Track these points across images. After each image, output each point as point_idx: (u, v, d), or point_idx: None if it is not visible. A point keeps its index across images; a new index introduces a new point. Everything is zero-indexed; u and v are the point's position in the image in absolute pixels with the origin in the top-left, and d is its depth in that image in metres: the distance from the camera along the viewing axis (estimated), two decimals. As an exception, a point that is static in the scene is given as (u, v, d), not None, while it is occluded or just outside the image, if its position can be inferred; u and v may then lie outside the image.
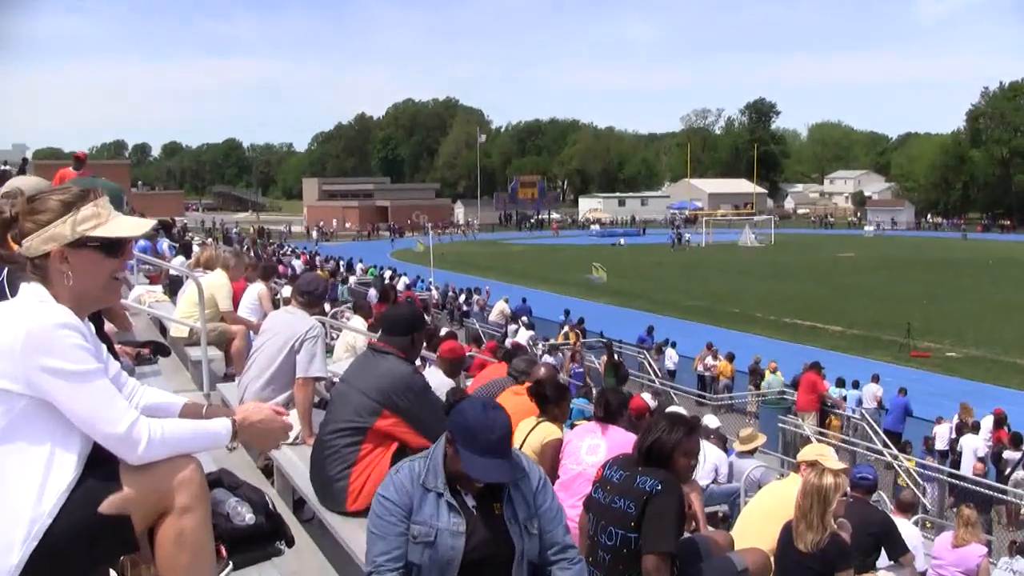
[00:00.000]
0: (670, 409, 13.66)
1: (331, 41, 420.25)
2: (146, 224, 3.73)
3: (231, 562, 4.07)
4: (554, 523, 4.48)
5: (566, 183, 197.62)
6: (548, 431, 7.83)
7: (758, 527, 7.30)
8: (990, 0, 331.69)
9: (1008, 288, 62.63)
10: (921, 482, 19.99)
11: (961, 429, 22.31)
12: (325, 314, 19.56)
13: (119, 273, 3.50)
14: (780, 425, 22.92)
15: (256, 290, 12.77)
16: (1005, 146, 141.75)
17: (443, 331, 15.52)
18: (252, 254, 32.67)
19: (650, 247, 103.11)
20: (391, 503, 4.29)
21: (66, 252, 3.31)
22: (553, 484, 7.23)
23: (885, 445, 23.33)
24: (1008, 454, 20.35)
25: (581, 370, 26.92)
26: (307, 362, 7.77)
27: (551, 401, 8.12)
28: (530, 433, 7.83)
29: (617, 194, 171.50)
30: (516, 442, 7.59)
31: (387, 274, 55.98)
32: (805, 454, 7.90)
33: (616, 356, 30.44)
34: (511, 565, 4.30)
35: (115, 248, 3.43)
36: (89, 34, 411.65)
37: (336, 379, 7.81)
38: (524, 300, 45.44)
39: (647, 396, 13.70)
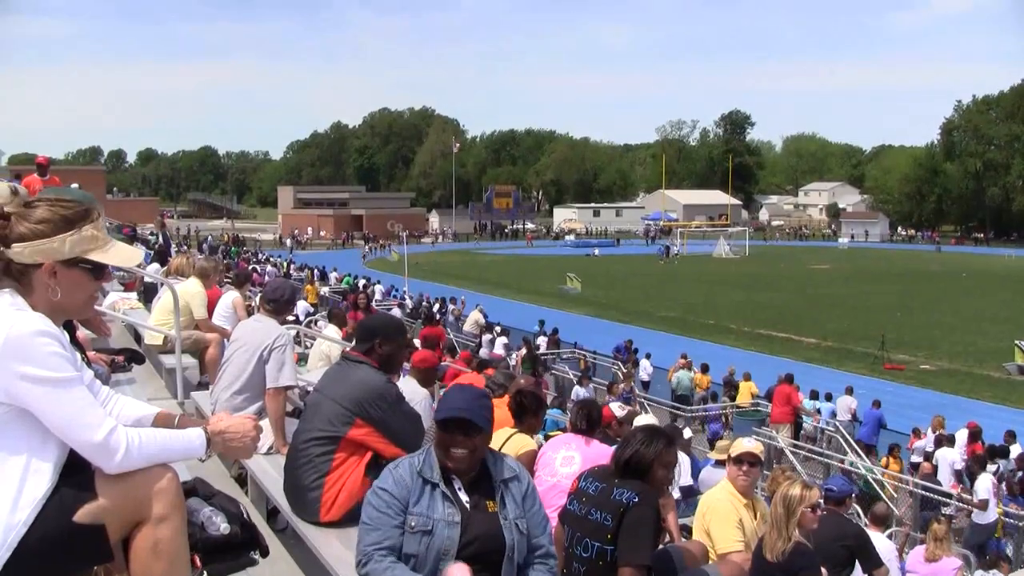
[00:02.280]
0: (641, 419, 13.66)
1: (308, 49, 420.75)
2: (137, 256, 3.73)
3: (205, 571, 4.05)
4: (540, 528, 4.63)
5: (541, 193, 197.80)
6: (523, 442, 7.81)
7: (697, 538, 7.45)
8: (964, 14, 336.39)
9: (981, 301, 63.01)
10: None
11: (940, 442, 22.38)
12: (299, 322, 19.57)
13: (97, 292, 3.51)
14: (755, 438, 22.89)
15: (230, 298, 12.73)
16: (979, 159, 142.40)
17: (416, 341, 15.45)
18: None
19: (625, 258, 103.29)
20: (389, 495, 4.43)
21: (56, 268, 3.31)
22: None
23: (859, 457, 23.36)
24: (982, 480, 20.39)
25: (629, 395, 26.63)
26: (276, 371, 7.77)
27: (530, 412, 8.11)
28: (504, 444, 7.78)
29: (592, 204, 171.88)
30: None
31: (361, 283, 55.89)
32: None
33: (535, 350, 32.50)
34: (498, 563, 4.40)
35: (101, 270, 3.44)
36: (64, 38, 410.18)
37: (310, 388, 7.78)
38: (478, 306, 45.77)
39: (615, 406, 13.67)
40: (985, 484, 18.08)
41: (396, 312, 40.15)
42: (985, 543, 16.95)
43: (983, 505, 17.56)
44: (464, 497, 4.47)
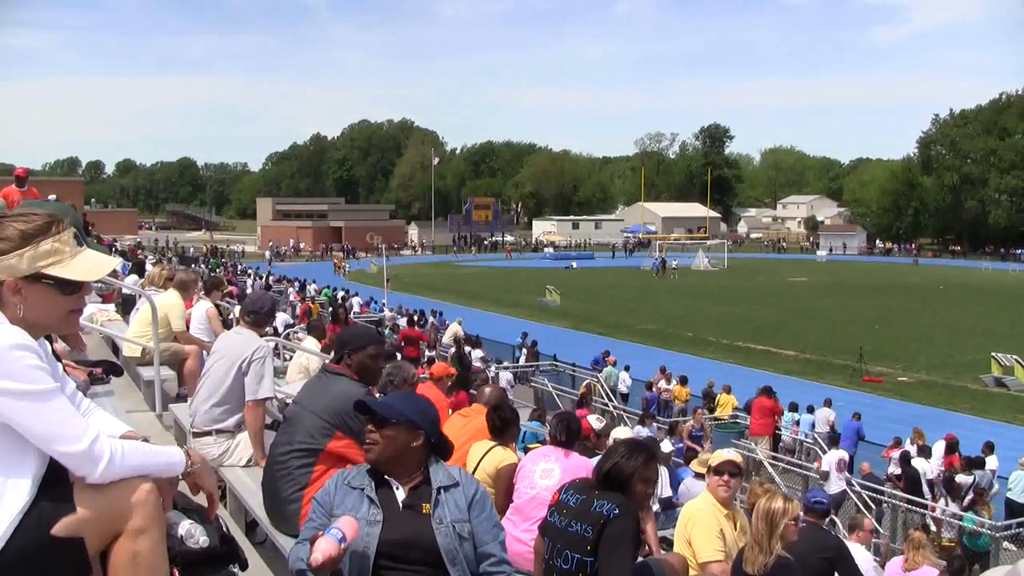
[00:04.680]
0: (619, 432, 13.67)
1: (287, 60, 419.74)
2: (107, 267, 3.62)
3: (184, 585, 4.03)
4: (489, 536, 4.66)
5: (520, 205, 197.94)
6: (503, 456, 7.80)
7: (678, 548, 7.48)
8: (942, 28, 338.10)
9: (959, 313, 63.33)
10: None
11: (919, 454, 22.52)
12: (278, 334, 19.55)
13: (76, 307, 3.45)
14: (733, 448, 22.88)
15: (203, 308, 12.67)
16: (955, 173, 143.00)
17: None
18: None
19: (604, 270, 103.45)
20: (316, 503, 4.71)
21: (20, 284, 3.26)
22: (507, 509, 7.23)
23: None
24: (960, 478, 20.51)
25: (700, 433, 26.26)
26: (255, 384, 7.76)
27: (511, 424, 8.11)
28: (484, 457, 7.79)
29: (571, 217, 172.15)
30: (469, 467, 7.62)
31: (340, 295, 55.84)
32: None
33: (465, 349, 33.67)
34: (443, 566, 4.46)
35: (71, 285, 3.37)
36: (42, 49, 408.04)
37: (288, 400, 7.76)
38: (439, 313, 46.44)
39: (593, 418, 13.68)
40: (830, 460, 20.79)
41: (401, 323, 40.61)
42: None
43: (824, 476, 20.48)
44: (400, 496, 4.58)
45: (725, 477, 7.46)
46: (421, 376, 11.42)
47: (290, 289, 58.53)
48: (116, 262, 3.90)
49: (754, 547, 6.50)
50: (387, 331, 39.43)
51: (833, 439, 22.93)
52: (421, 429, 4.65)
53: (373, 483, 4.61)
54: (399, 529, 4.45)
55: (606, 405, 30.74)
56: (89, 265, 3.42)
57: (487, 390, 9.81)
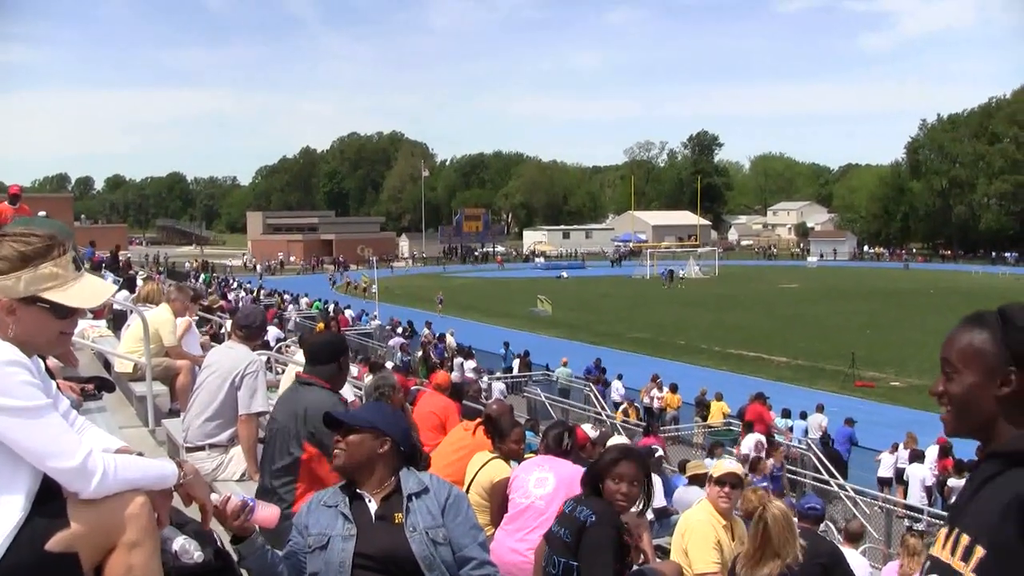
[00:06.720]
0: (615, 440, 13.66)
1: (276, 74, 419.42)
2: (105, 294, 3.63)
3: (178, 600, 4.02)
4: (467, 538, 4.59)
5: (511, 216, 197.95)
6: (497, 469, 7.76)
7: (675, 558, 7.46)
8: (930, 34, 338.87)
9: (949, 317, 62.14)
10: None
11: (912, 458, 22.52)
12: (269, 348, 19.53)
13: (68, 329, 3.45)
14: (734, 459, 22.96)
15: (182, 324, 12.59)
16: (944, 177, 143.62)
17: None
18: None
19: (595, 280, 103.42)
20: (293, 524, 4.73)
21: (14, 305, 3.26)
22: (501, 519, 7.22)
23: (831, 475, 23.41)
24: (953, 482, 20.53)
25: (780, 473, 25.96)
26: (248, 398, 7.78)
27: (496, 435, 8.09)
28: (480, 471, 7.78)
29: (562, 226, 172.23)
30: (466, 478, 7.61)
31: (331, 308, 55.87)
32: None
33: (430, 353, 35.36)
34: (422, 575, 4.42)
35: (66, 310, 3.37)
36: (31, 63, 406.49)
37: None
38: (431, 325, 46.86)
39: (588, 427, 13.66)
40: (748, 443, 21.72)
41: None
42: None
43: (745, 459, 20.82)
44: (373, 508, 4.54)
45: (726, 488, 7.43)
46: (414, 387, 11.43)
47: (290, 306, 58.67)
48: (113, 288, 3.86)
49: (753, 556, 6.49)
50: (398, 353, 39.41)
51: (747, 425, 23.00)
52: (387, 436, 4.62)
53: (347, 498, 4.59)
54: (373, 542, 4.43)
55: (599, 414, 30.76)
56: (87, 292, 3.43)
57: (494, 406, 9.84)
